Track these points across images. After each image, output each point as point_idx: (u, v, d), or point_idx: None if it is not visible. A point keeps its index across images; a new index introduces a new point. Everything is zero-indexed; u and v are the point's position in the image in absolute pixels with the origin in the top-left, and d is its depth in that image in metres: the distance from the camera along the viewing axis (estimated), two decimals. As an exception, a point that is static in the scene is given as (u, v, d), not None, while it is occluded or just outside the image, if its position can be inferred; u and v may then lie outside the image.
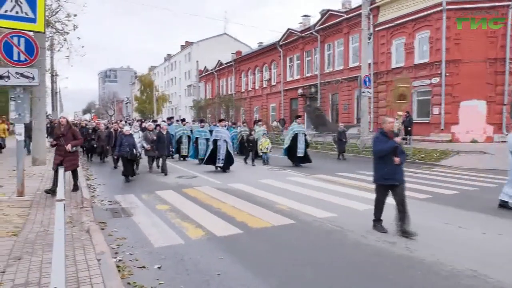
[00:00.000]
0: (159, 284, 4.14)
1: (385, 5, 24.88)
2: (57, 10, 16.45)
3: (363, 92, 19.75)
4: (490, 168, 13.52)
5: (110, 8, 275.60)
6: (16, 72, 7.60)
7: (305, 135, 15.06)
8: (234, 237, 5.83)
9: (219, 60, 49.94)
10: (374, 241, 5.54)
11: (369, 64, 22.58)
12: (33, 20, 7.53)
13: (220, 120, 15.63)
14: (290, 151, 14.78)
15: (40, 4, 7.55)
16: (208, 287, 4.08)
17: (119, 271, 4.37)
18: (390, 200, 8.40)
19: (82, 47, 19.32)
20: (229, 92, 46.25)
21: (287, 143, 14.88)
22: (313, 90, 31.71)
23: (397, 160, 5.80)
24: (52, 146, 8.58)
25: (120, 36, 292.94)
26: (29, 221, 6.29)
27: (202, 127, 16.48)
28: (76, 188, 8.99)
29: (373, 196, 8.73)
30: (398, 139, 5.91)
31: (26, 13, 7.41)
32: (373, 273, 4.42)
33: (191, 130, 17.24)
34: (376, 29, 25.12)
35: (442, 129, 21.27)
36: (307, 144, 15.01)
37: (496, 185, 10.49)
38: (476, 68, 20.50)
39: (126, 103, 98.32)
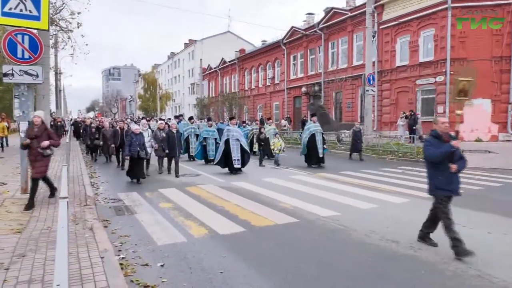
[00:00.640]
0: (162, 282, 4.13)
1: (389, 3, 24.75)
2: (61, 8, 16.53)
3: (367, 90, 19.67)
4: (495, 167, 13.44)
5: (114, 6, 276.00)
6: (20, 70, 7.61)
7: (322, 134, 14.28)
8: (238, 235, 5.83)
9: (222, 58, 49.91)
10: (377, 240, 5.51)
11: (373, 62, 22.50)
12: (37, 18, 7.53)
13: (231, 118, 14.30)
14: (308, 152, 13.97)
15: (44, 2, 7.54)
16: (211, 285, 4.07)
17: (122, 268, 4.37)
18: (391, 199, 8.37)
19: (86, 45, 19.46)
20: (233, 90, 46.21)
21: (304, 143, 14.05)
22: (316, 88, 31.63)
23: (453, 167, 4.97)
24: (23, 148, 7.38)
25: (124, 34, 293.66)
26: (33, 218, 6.31)
27: (210, 126, 15.62)
28: (53, 193, 7.84)
29: (376, 194, 8.78)
30: (456, 143, 4.90)
31: (30, 11, 7.41)
32: (377, 272, 4.40)
33: (199, 129, 16.61)
34: (381, 27, 25.00)
35: (446, 128, 21.13)
36: (324, 143, 14.28)
37: (501, 184, 10.43)
38: (481, 66, 20.33)
39: (130, 101, 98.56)
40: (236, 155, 12.09)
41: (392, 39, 24.63)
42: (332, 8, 29.91)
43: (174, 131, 12.01)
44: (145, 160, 11.21)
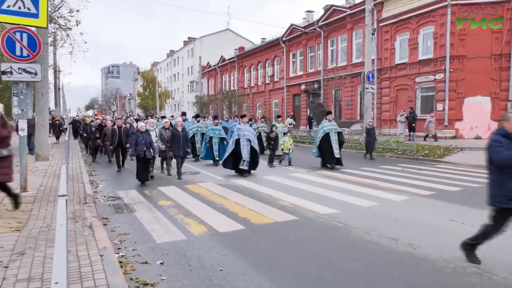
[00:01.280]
0: (162, 279, 4.13)
1: (389, 1, 24.71)
2: (60, 5, 16.46)
3: (367, 88, 19.64)
4: (494, 165, 13.43)
5: (113, 4, 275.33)
6: (19, 68, 7.59)
7: (339, 133, 13.29)
8: (237, 233, 5.83)
9: (222, 56, 49.84)
10: (377, 238, 5.51)
11: (373, 60, 22.46)
12: (35, 16, 7.50)
13: (242, 116, 13.19)
14: (322, 153, 13.16)
15: (42, 0, 7.52)
16: (211, 283, 4.07)
17: (121, 266, 4.37)
18: (390, 197, 8.37)
19: (85, 42, 19.33)
20: (232, 88, 46.17)
21: (317, 143, 13.27)
22: (316, 86, 31.60)
23: None
24: None
25: (123, 32, 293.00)
26: (32, 216, 6.30)
27: (216, 124, 14.62)
28: (17, 203, 6.57)
29: (376, 192, 8.78)
30: None
31: (28, 8, 7.38)
32: (377, 270, 4.40)
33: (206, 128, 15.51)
34: (380, 24, 24.96)
35: (446, 126, 21.17)
36: (341, 143, 13.35)
37: (501, 181, 10.42)
38: (480, 64, 20.34)
39: (129, 99, 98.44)
40: (245, 156, 11.20)
41: (391, 37, 24.59)
42: (332, 5, 29.86)
43: (180, 130, 11.19)
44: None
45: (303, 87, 33.14)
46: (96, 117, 25.78)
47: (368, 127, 16.07)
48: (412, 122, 20.60)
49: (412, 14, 22.81)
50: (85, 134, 17.54)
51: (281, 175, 11.40)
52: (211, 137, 13.96)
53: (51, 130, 20.88)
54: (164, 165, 12.00)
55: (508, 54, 20.16)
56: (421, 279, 4.16)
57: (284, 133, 14.59)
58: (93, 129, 15.69)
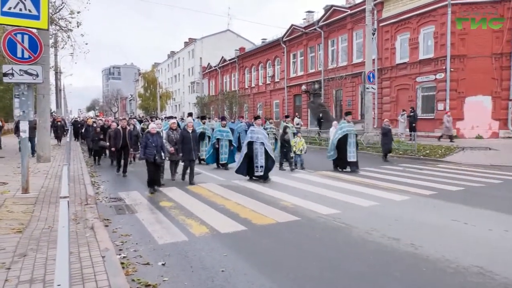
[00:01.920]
0: (163, 280, 4.13)
1: (389, 0, 24.71)
2: (61, 7, 16.51)
3: (367, 88, 19.63)
4: (496, 164, 13.44)
5: (113, 5, 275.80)
6: (20, 70, 7.61)
7: (356, 135, 12.74)
8: (239, 234, 5.83)
9: (222, 57, 49.88)
10: (379, 238, 5.51)
11: (373, 59, 22.44)
12: (36, 17, 7.52)
13: (256, 118, 12.08)
14: (338, 155, 12.44)
15: (43, 1, 7.52)
16: (213, 283, 4.07)
17: (123, 267, 4.37)
18: (391, 197, 8.37)
19: (86, 44, 19.40)
20: (233, 89, 46.19)
21: (334, 144, 12.47)
22: (316, 86, 31.59)
23: None
24: None
25: (124, 33, 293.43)
26: (34, 218, 6.31)
27: (224, 125, 13.68)
28: None
29: (377, 192, 8.78)
30: None
31: (29, 10, 7.40)
32: (378, 270, 4.39)
33: (212, 129, 15.01)
34: (380, 24, 24.95)
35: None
36: (357, 146, 12.72)
37: (502, 181, 10.43)
38: (481, 63, 20.32)
39: (130, 100, 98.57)
40: (260, 161, 10.51)
41: (392, 37, 24.58)
42: (332, 6, 29.86)
43: (190, 131, 10.32)
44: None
45: (303, 87, 33.13)
46: (98, 118, 25.40)
47: (385, 127, 15.23)
48: (413, 122, 20.58)
49: (413, 13, 22.79)
50: (87, 137, 16.65)
51: (283, 176, 11.40)
52: (218, 139, 13.15)
53: (52, 132, 20.88)
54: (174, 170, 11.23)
55: (509, 53, 20.14)
56: (423, 279, 4.15)
57: (295, 134, 13.90)
58: (98, 129, 15.01)
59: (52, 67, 24.98)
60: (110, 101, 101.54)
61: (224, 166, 13.11)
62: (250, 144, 10.77)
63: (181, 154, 10.22)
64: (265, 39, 44.95)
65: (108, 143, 13.08)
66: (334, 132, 13.08)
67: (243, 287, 3.98)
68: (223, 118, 14.62)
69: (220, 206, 7.61)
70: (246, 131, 17.83)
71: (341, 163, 12.40)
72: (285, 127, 13.53)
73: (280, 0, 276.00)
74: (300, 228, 6.13)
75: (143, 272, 4.34)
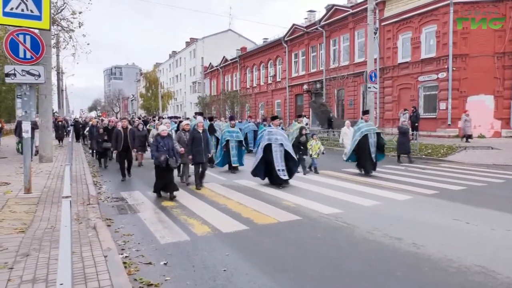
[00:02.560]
0: (166, 280, 4.14)
1: (391, 0, 24.65)
2: (63, 7, 16.55)
3: (369, 87, 19.54)
4: (498, 164, 13.40)
5: (115, 5, 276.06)
6: (22, 70, 7.63)
7: (379, 134, 12.03)
8: (240, 234, 5.83)
9: (224, 57, 49.89)
10: (380, 237, 5.51)
11: (375, 59, 22.40)
12: (38, 18, 7.54)
13: (274, 118, 10.99)
14: (360, 157, 11.76)
15: (45, 2, 7.55)
16: (215, 283, 4.07)
17: (125, 267, 4.38)
18: (393, 196, 8.36)
19: (88, 44, 19.40)
20: (234, 88, 46.21)
21: (352, 146, 11.86)
22: (318, 85, 31.57)
23: None
24: None
25: (125, 33, 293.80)
26: (37, 218, 6.32)
27: (233, 126, 12.94)
28: None
29: (379, 192, 8.77)
30: None
31: (31, 11, 7.43)
32: (380, 270, 4.39)
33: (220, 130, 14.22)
34: (382, 23, 24.91)
35: (449, 125, 21.10)
36: (381, 146, 12.03)
37: (504, 180, 10.40)
38: (483, 62, 20.27)
39: (132, 100, 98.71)
40: (280, 164, 9.71)
41: (393, 36, 24.54)
42: (334, 5, 29.82)
43: (200, 131, 9.63)
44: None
45: (305, 87, 33.11)
46: (101, 118, 25.03)
47: (404, 127, 14.52)
48: (415, 121, 20.54)
49: (415, 13, 22.75)
50: (92, 138, 15.96)
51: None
52: (227, 141, 12.36)
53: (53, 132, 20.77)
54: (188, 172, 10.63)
55: (511, 53, 20.09)
56: (424, 278, 4.15)
57: (311, 135, 12.81)
58: (101, 131, 14.30)
59: (54, 67, 25.06)
60: (112, 101, 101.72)
61: (234, 169, 12.43)
62: (268, 147, 9.85)
63: (190, 157, 9.51)
64: (266, 38, 44.96)
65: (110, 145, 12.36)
66: (352, 134, 12.29)
67: (245, 287, 3.98)
68: (232, 118, 13.80)
69: (222, 206, 7.62)
70: (254, 131, 17.51)
71: (365, 166, 11.52)
72: (301, 128, 12.52)
73: (282, 0, 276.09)
74: (301, 227, 6.13)
75: (145, 272, 4.35)
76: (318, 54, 32.22)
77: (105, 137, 13.77)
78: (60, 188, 8.71)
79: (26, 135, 8.09)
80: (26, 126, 8.01)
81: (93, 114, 63.41)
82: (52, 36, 16.34)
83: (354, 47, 28.10)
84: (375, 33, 21.31)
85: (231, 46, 51.84)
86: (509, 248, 5.07)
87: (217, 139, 13.57)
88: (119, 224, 6.36)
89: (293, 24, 34.96)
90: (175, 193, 8.41)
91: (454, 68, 20.65)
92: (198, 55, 58.87)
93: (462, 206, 7.44)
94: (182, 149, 9.43)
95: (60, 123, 23.09)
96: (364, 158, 11.52)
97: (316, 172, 11.95)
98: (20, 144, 15.41)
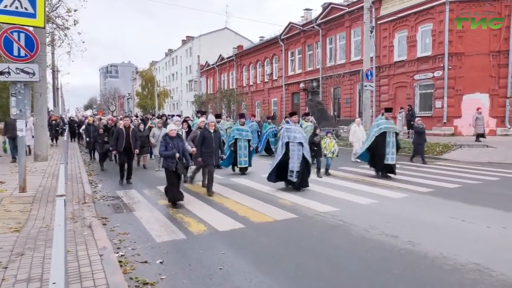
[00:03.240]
0: (162, 279, 4.13)
1: (387, -2, 24.71)
2: (57, 5, 16.46)
3: (365, 86, 19.61)
4: (493, 162, 13.47)
5: (110, 3, 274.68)
6: (17, 68, 7.57)
7: (397, 134, 11.17)
8: (237, 232, 5.82)
9: (220, 55, 49.82)
10: (377, 235, 5.51)
11: (371, 57, 22.45)
12: (33, 15, 7.48)
13: (292, 114, 9.88)
14: (373, 156, 10.96)
15: (39, -1, 7.49)
16: (211, 281, 4.06)
17: (121, 266, 4.37)
18: (389, 194, 8.38)
19: (83, 42, 19.33)
20: (231, 87, 46.16)
21: (368, 143, 11.03)
22: (314, 84, 31.59)
23: None
24: None
25: (121, 32, 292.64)
26: (31, 217, 6.29)
27: (243, 124, 12.03)
28: None
29: (375, 190, 8.79)
30: None
31: (25, 8, 7.36)
32: (377, 267, 4.39)
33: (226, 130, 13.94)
34: (378, 22, 24.93)
35: (444, 123, 21.18)
36: (398, 147, 11.13)
37: (499, 178, 10.45)
38: (479, 61, 20.35)
39: (128, 99, 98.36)
40: (295, 165, 8.82)
41: (390, 34, 24.57)
42: (330, 3, 29.82)
43: (212, 131, 8.78)
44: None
45: (302, 85, 33.13)
46: (98, 116, 24.17)
47: (420, 127, 13.85)
48: (411, 120, 20.58)
49: (410, 11, 22.79)
50: (87, 138, 15.05)
51: (281, 174, 11.37)
52: (236, 139, 11.57)
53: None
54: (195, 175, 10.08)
55: (506, 51, 20.18)
56: (420, 275, 4.16)
57: (326, 134, 12.03)
58: (101, 131, 13.36)
59: (49, 65, 24.93)
60: (108, 100, 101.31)
61: (243, 171, 11.62)
62: (287, 145, 9.01)
63: (200, 159, 8.69)
64: (263, 37, 44.89)
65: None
66: (370, 129, 11.47)
67: (242, 285, 3.97)
68: (241, 116, 12.66)
69: (218, 204, 7.60)
70: (258, 131, 16.61)
71: (379, 165, 10.83)
72: (315, 127, 11.88)
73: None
74: (298, 226, 6.13)
75: (141, 270, 4.34)
76: (315, 52, 32.23)
77: (106, 138, 12.91)
78: (56, 187, 8.61)
79: (21, 133, 8.03)
80: (20, 125, 7.95)
81: (89, 112, 63.03)
82: (47, 34, 16.22)
83: (351, 45, 28.13)
84: (371, 32, 21.34)
85: (228, 44, 51.75)
86: (504, 246, 5.09)
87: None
88: (114, 223, 6.33)
89: (290, 23, 34.93)
90: (179, 202, 7.57)
91: (450, 67, 20.72)
92: (194, 53, 58.72)
93: (457, 204, 7.46)
94: (194, 149, 8.86)
95: (54, 121, 22.08)
96: (378, 158, 10.66)
97: (327, 173, 11.15)
98: (4, 144, 15.23)
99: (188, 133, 11.02)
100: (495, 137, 19.85)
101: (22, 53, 7.69)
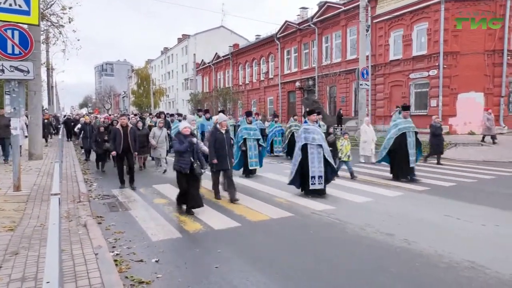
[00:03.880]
0: (157, 277, 4.11)
1: (383, -3, 24.75)
2: (52, 2, 16.36)
3: (361, 84, 19.67)
4: (488, 160, 13.55)
5: (108, 2, 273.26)
6: (11, 66, 7.50)
7: (416, 133, 10.31)
8: (233, 230, 5.81)
9: (216, 53, 49.71)
10: (373, 234, 5.53)
11: (367, 56, 22.48)
12: (27, 13, 7.42)
13: (310, 112, 8.77)
14: (393, 158, 10.22)
15: (34, -4, 7.43)
16: (207, 280, 4.05)
17: (116, 265, 4.34)
18: (385, 193, 8.40)
19: (78, 40, 19.20)
20: (227, 85, 46.11)
21: (388, 145, 10.22)
22: (310, 82, 31.62)
23: None
24: None
25: (117, 29, 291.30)
26: (26, 215, 6.24)
27: (250, 122, 11.10)
28: None
29: (371, 188, 8.81)
30: None
31: (19, 6, 7.30)
32: (373, 266, 4.40)
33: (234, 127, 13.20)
34: (374, 21, 24.99)
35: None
36: (418, 145, 10.38)
37: (494, 176, 10.51)
38: (474, 60, 20.46)
39: (123, 97, 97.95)
40: (317, 169, 7.99)
41: (385, 33, 24.64)
42: (326, 2, 29.84)
43: (224, 131, 8.03)
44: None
45: (297, 84, 33.12)
46: (94, 115, 23.39)
47: (436, 125, 13.26)
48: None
49: (406, 10, 22.86)
50: (85, 137, 14.32)
51: (276, 172, 11.39)
52: (245, 139, 10.75)
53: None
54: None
55: (501, 50, 20.31)
56: (416, 274, 4.17)
57: (343, 135, 11.17)
58: (101, 129, 12.63)
59: (44, 63, 24.73)
60: (103, 98, 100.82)
61: (252, 173, 10.97)
62: (305, 148, 8.14)
63: (215, 160, 7.86)
64: (259, 35, 44.85)
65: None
66: (388, 130, 10.76)
67: (238, 284, 3.96)
68: (249, 114, 11.63)
69: (214, 203, 7.59)
70: (262, 129, 15.83)
71: (400, 170, 10.02)
72: (328, 127, 11.23)
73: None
74: (294, 224, 6.13)
75: (137, 269, 4.32)
76: (311, 51, 32.25)
77: (105, 137, 11.94)
78: (50, 185, 8.55)
79: (15, 132, 7.97)
80: (14, 123, 7.89)
81: (84, 111, 62.67)
82: (42, 32, 16.12)
83: (346, 44, 28.18)
84: (367, 31, 21.37)
85: (224, 42, 51.64)
86: (499, 243, 5.12)
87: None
88: (110, 221, 6.30)
89: (286, 21, 34.92)
90: (196, 209, 6.80)
91: (445, 66, 20.81)
92: (190, 51, 58.51)
93: (453, 202, 7.50)
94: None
95: (46, 120, 20.50)
96: (400, 160, 9.95)
97: (353, 177, 10.30)
98: None
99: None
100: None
101: (16, 50, 7.62)
